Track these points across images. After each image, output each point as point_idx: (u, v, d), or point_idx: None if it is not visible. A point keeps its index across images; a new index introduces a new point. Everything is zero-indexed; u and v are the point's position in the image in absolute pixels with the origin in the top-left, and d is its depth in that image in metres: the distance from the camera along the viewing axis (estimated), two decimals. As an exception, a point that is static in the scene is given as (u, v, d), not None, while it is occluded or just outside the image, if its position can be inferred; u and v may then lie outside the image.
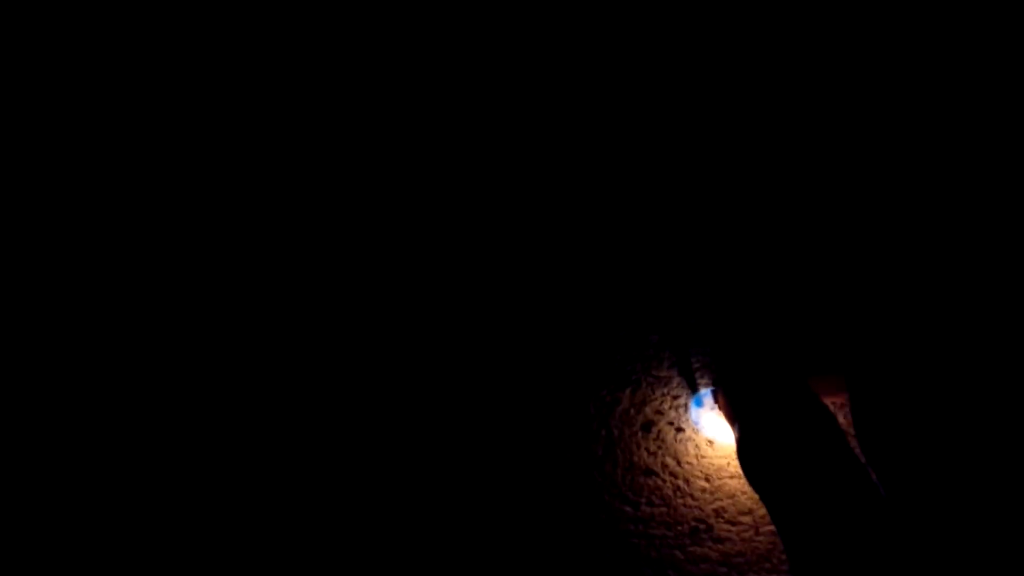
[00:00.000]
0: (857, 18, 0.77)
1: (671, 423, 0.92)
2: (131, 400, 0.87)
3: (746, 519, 0.97)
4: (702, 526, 0.97)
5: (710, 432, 0.92)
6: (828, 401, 0.83)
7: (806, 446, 0.71)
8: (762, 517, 0.97)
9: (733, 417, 0.81)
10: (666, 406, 0.92)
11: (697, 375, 0.91)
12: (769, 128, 0.82)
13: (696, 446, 0.93)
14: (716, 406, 0.90)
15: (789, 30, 0.78)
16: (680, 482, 0.95)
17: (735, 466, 0.94)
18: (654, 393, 0.91)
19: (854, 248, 0.85)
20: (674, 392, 0.91)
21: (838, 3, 0.77)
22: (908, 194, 0.83)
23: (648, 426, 0.92)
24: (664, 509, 0.96)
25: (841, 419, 0.88)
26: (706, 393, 0.91)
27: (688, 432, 0.93)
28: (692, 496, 0.95)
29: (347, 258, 0.85)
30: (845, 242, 0.85)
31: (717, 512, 0.97)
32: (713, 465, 0.94)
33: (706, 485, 0.95)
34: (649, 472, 0.94)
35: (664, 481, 0.95)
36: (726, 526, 0.97)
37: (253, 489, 0.91)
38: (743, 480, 0.95)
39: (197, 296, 0.84)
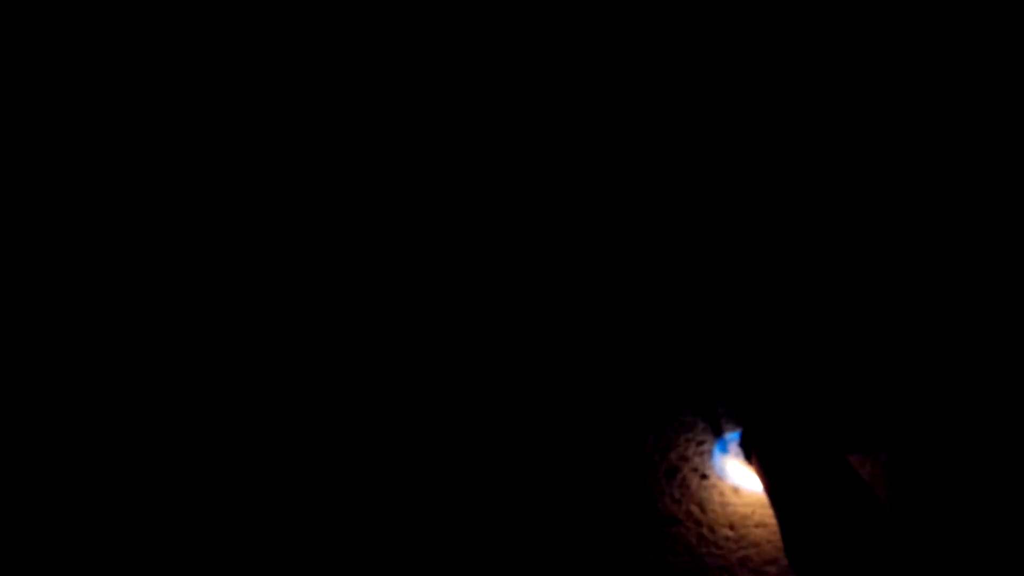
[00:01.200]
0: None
1: (695, 469, 0.91)
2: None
3: (771, 569, 0.95)
4: (726, 576, 0.94)
5: (735, 479, 0.90)
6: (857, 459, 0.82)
7: (837, 506, 0.69)
8: (787, 567, 0.95)
9: (768, 475, 0.79)
10: (690, 452, 0.90)
11: (722, 420, 0.90)
12: (808, 173, 0.82)
13: (721, 493, 0.91)
14: (747, 459, 0.88)
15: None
16: (704, 530, 0.93)
17: (761, 515, 0.92)
18: (678, 438, 0.90)
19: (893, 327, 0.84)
20: (699, 438, 0.90)
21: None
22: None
23: (672, 472, 0.91)
24: (688, 559, 0.94)
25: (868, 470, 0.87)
26: (732, 438, 0.89)
27: (712, 479, 0.91)
28: (716, 545, 0.93)
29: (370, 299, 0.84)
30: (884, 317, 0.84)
31: (742, 561, 0.94)
32: (738, 513, 0.92)
33: (731, 534, 0.93)
34: (673, 520, 0.92)
35: (688, 529, 0.92)
36: (751, 576, 0.95)
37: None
38: (768, 529, 0.92)
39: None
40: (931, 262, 0.83)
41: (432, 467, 0.89)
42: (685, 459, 0.90)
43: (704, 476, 0.91)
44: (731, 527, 0.92)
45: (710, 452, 0.90)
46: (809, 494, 0.70)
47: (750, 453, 0.83)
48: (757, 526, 0.92)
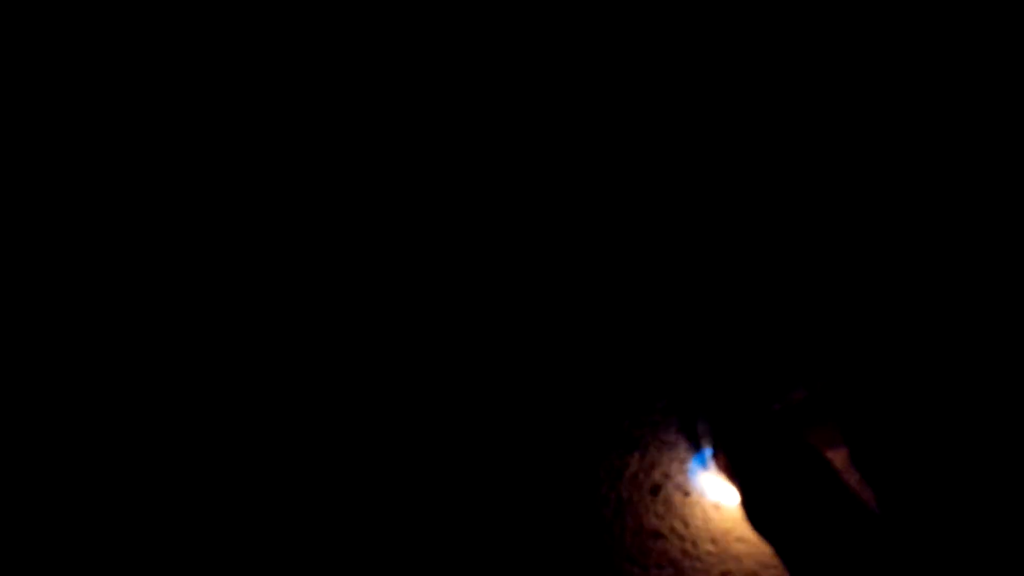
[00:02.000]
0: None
1: (679, 487, 0.96)
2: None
3: (752, 582, 1.00)
4: (709, 589, 0.99)
5: (715, 496, 0.95)
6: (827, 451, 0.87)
7: (803, 490, 0.75)
8: (767, 580, 0.99)
9: (734, 475, 0.85)
10: (674, 470, 0.95)
11: (701, 439, 0.95)
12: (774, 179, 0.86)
13: (703, 509, 0.96)
14: (717, 467, 0.93)
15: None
16: (688, 545, 0.97)
17: (741, 529, 0.97)
18: (662, 457, 0.95)
19: (834, 295, 0.88)
20: (681, 456, 0.95)
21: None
22: (889, 232, 0.87)
23: (656, 489, 0.96)
24: (671, 571, 0.98)
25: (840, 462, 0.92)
26: (707, 452, 0.94)
27: (695, 496, 0.96)
28: (699, 559, 0.98)
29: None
30: (825, 288, 0.89)
31: (724, 574, 0.99)
32: (720, 528, 0.97)
33: (712, 548, 0.98)
34: (657, 535, 0.97)
35: (672, 544, 0.97)
36: (732, 589, 0.99)
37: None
38: (749, 543, 0.97)
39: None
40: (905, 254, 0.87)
41: (419, 479, 0.94)
42: (668, 476, 0.95)
43: (686, 493, 0.96)
44: (713, 541, 0.97)
45: (692, 471, 0.95)
46: (770, 475, 0.77)
47: (717, 453, 0.89)
48: (737, 540, 0.97)
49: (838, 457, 0.92)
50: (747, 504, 0.82)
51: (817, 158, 0.86)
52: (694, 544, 0.97)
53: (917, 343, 0.74)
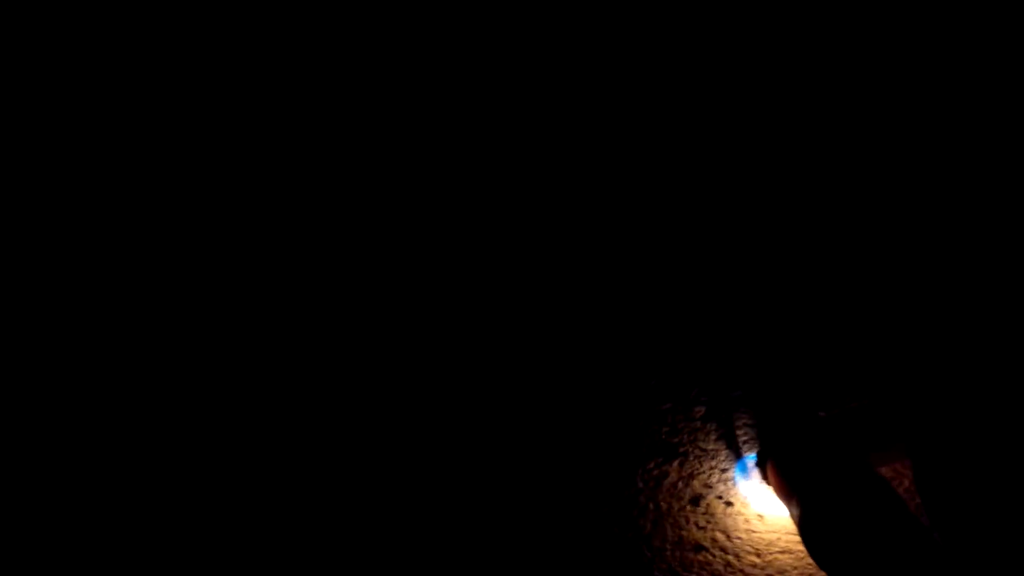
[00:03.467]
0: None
1: (720, 497, 0.92)
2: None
3: (798, 595, 0.96)
4: (753, 603, 0.95)
5: (760, 506, 0.91)
6: (891, 469, 0.83)
7: (869, 521, 0.70)
8: (813, 593, 0.95)
9: (790, 494, 0.80)
10: (714, 479, 0.92)
11: (743, 446, 0.91)
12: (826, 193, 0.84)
13: (746, 520, 0.92)
14: (765, 480, 0.89)
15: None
16: (731, 557, 0.94)
17: (786, 540, 0.93)
18: (702, 466, 0.91)
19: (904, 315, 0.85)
20: (722, 465, 0.91)
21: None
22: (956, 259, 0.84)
23: (697, 500, 0.92)
24: (714, 585, 0.95)
25: (906, 484, 0.88)
26: (751, 459, 0.91)
27: (737, 506, 0.92)
28: (743, 572, 0.94)
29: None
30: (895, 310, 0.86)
31: (768, 588, 0.95)
32: (763, 540, 0.93)
33: (757, 560, 0.94)
34: (699, 547, 0.93)
35: (714, 556, 0.94)
36: (778, 603, 0.96)
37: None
38: (794, 555, 0.93)
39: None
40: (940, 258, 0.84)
41: (450, 483, 0.91)
42: (709, 486, 0.92)
43: (729, 503, 0.92)
44: (757, 554, 0.94)
45: (734, 479, 0.92)
46: (832, 502, 0.72)
47: (765, 465, 0.85)
48: (783, 552, 0.93)
49: (892, 475, 0.88)
50: (804, 528, 0.77)
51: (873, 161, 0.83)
52: (737, 556, 0.94)
53: (996, 353, 0.70)
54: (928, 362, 0.82)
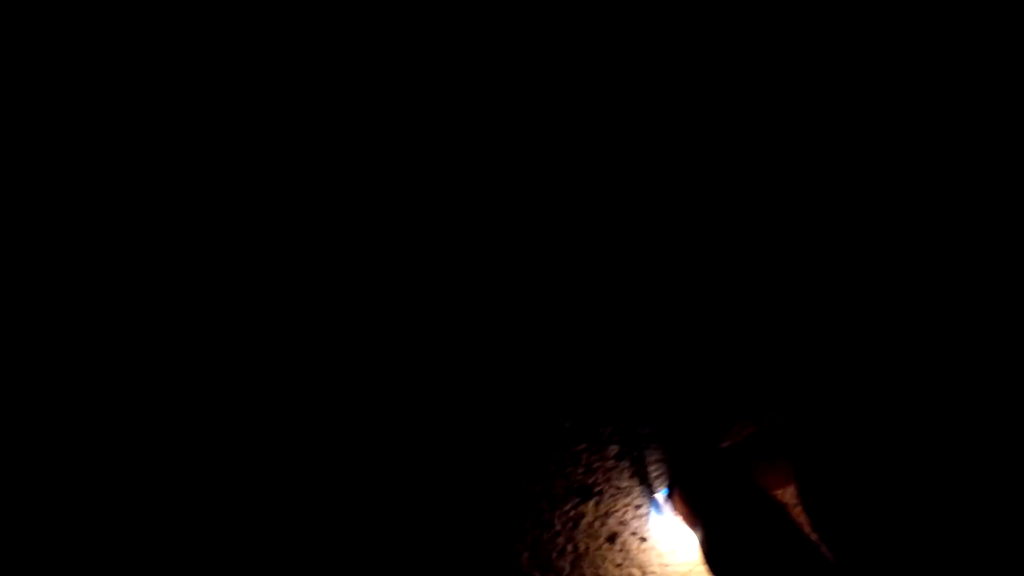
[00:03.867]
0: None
1: (634, 533, 0.95)
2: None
3: (711, 627, 0.99)
4: (670, 638, 0.97)
5: (673, 541, 0.95)
6: (777, 491, 0.88)
7: (761, 539, 0.76)
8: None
9: (695, 519, 0.85)
10: (629, 516, 0.95)
11: (655, 481, 0.95)
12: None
13: (659, 555, 0.95)
14: (673, 510, 0.93)
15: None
16: (647, 593, 0.96)
17: (697, 572, 0.96)
18: (617, 504, 0.94)
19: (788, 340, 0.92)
20: (636, 501, 0.94)
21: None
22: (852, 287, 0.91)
23: (613, 538, 0.94)
24: (632, 623, 0.96)
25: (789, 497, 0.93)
26: (663, 492, 0.94)
27: (651, 541, 0.95)
28: (659, 607, 0.97)
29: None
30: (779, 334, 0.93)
31: (683, 622, 0.98)
32: (678, 573, 0.96)
33: (671, 595, 0.97)
34: (616, 585, 0.95)
35: (631, 593, 0.96)
36: (693, 636, 0.98)
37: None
38: (706, 587, 0.97)
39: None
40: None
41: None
42: (624, 523, 0.95)
43: (643, 539, 0.95)
44: (671, 588, 0.96)
45: (648, 516, 0.95)
46: (729, 524, 0.77)
47: (672, 496, 0.90)
48: (695, 585, 0.97)
49: (787, 496, 0.94)
50: (707, 554, 0.81)
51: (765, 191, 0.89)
52: (653, 592, 0.96)
53: (878, 375, 0.76)
54: (806, 392, 0.89)
